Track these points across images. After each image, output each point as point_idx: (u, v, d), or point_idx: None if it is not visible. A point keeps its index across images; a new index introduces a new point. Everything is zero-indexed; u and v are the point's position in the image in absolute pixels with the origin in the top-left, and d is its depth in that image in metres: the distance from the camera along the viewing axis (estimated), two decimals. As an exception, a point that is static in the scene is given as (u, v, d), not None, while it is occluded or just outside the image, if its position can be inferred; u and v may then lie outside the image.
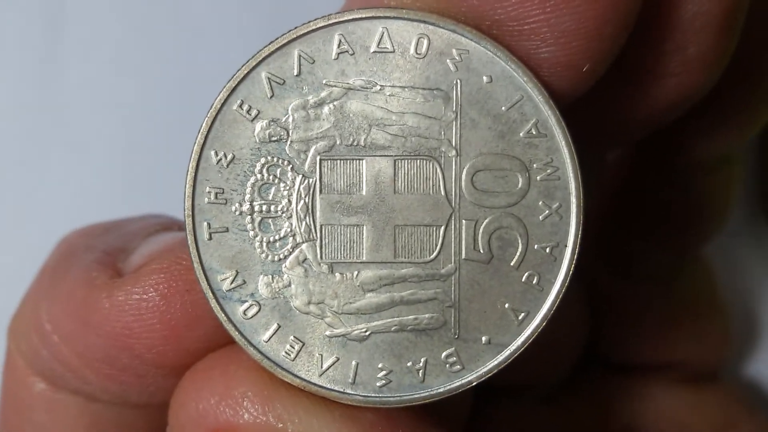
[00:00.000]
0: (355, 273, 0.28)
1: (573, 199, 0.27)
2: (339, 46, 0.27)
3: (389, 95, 0.27)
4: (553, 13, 0.26)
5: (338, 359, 0.28)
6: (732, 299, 0.44)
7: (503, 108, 0.27)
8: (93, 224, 0.34)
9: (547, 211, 0.28)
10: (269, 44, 0.27)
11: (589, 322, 0.40)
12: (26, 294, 0.33)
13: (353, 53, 0.27)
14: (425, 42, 0.27)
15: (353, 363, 0.28)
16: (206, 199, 0.28)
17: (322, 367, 0.28)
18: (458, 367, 0.28)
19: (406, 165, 0.28)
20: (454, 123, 0.27)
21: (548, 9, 0.26)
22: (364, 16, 0.27)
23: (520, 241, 0.28)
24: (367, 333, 0.28)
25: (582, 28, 0.26)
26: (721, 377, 0.44)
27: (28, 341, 0.32)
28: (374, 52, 0.27)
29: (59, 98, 0.41)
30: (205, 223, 0.28)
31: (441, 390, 0.28)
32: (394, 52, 0.27)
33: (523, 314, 0.28)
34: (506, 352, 0.28)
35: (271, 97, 0.28)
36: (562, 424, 0.40)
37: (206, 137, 0.28)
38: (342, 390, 0.28)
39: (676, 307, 0.41)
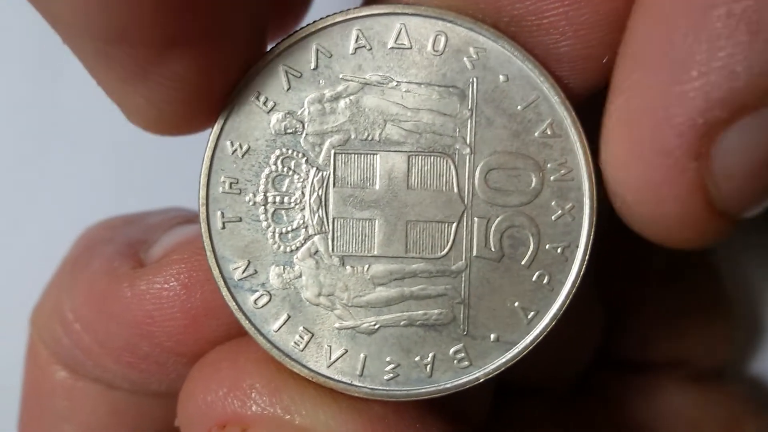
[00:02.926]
0: (366, 266, 0.28)
1: (586, 201, 0.27)
2: (356, 41, 0.27)
3: (405, 91, 0.28)
4: (571, 6, 0.26)
5: (347, 351, 0.28)
6: (737, 297, 0.44)
7: (519, 107, 0.27)
8: (114, 217, 0.35)
9: (559, 212, 0.28)
10: (287, 37, 0.28)
11: (602, 323, 0.40)
12: (49, 284, 0.34)
13: (370, 48, 0.27)
14: (443, 39, 0.27)
15: (362, 355, 0.28)
16: (221, 189, 0.28)
17: (330, 359, 0.28)
18: (466, 363, 0.28)
19: (420, 161, 0.28)
20: (469, 121, 0.28)
21: (566, 1, 0.26)
22: (382, 12, 0.27)
23: (531, 240, 0.28)
24: (376, 326, 0.28)
25: (601, 20, 0.26)
26: (726, 376, 0.44)
27: (50, 330, 0.32)
28: (391, 48, 0.27)
29: (74, 87, 0.41)
30: (219, 213, 0.28)
31: (448, 385, 0.28)
32: (411, 48, 0.27)
33: (532, 313, 0.28)
34: (514, 350, 0.28)
35: (287, 89, 0.28)
36: (575, 424, 0.40)
37: (222, 128, 0.28)
38: (349, 382, 0.28)
39: (683, 305, 0.41)
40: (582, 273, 0.28)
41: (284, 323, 0.28)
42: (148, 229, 0.33)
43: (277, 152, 0.28)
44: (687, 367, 0.42)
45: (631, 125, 0.25)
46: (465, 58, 0.27)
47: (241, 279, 0.28)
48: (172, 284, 0.30)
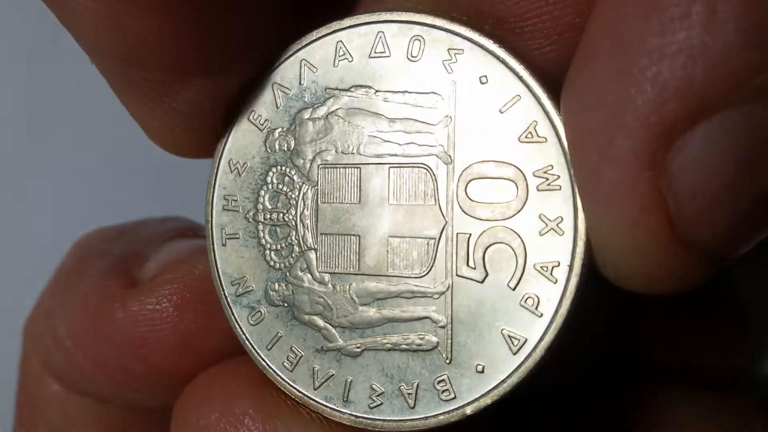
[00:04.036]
0: (349, 285, 0.27)
1: (578, 213, 0.24)
2: (338, 53, 0.27)
3: (385, 101, 0.26)
4: (555, 7, 0.24)
5: (333, 374, 0.27)
6: (749, 297, 0.37)
7: (499, 110, 0.25)
8: (109, 227, 0.35)
9: (546, 226, 0.24)
10: (278, 54, 0.28)
11: (605, 327, 0.35)
12: (42, 295, 0.34)
13: (351, 60, 0.27)
14: (420, 44, 0.26)
15: (346, 380, 0.27)
16: (222, 206, 0.29)
17: (317, 381, 0.27)
18: (450, 395, 0.25)
19: (400, 173, 0.26)
20: (448, 128, 0.26)
21: (550, 2, 0.24)
22: (361, 22, 0.27)
23: (516, 258, 0.25)
24: (360, 349, 0.27)
25: (585, 21, 0.23)
26: (738, 381, 0.37)
27: (42, 343, 0.32)
28: (371, 57, 0.27)
29: (74, 89, 0.41)
30: (221, 229, 0.29)
31: (431, 419, 0.26)
32: (389, 56, 0.26)
33: (520, 342, 0.25)
34: (502, 385, 0.25)
35: (278, 106, 0.28)
36: None
37: (224, 146, 0.29)
38: (335, 407, 0.27)
39: (691, 306, 0.34)
40: (574, 297, 0.24)
41: (276, 342, 0.28)
42: (142, 243, 0.33)
43: (272, 169, 0.28)
44: (696, 374, 0.36)
45: (579, 126, 0.22)
46: (443, 62, 0.26)
47: (239, 295, 0.29)
48: (164, 305, 0.30)
